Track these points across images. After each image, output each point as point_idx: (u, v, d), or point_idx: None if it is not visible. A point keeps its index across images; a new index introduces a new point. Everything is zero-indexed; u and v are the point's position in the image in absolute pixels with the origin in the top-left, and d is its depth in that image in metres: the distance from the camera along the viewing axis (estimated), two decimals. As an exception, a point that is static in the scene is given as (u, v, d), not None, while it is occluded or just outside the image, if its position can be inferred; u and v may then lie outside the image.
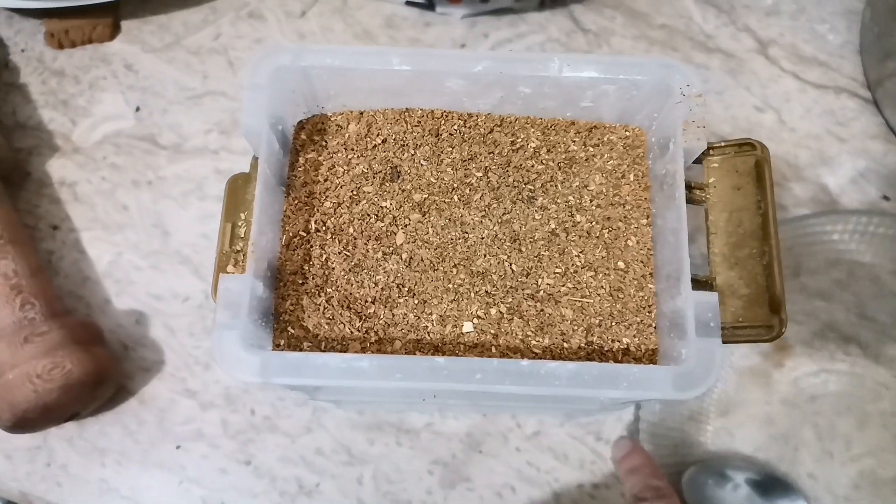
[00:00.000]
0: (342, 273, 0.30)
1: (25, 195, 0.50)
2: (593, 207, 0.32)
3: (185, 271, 0.49)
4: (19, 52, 0.53)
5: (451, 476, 0.47)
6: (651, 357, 0.30)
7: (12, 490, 0.44)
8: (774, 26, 0.56)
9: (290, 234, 0.31)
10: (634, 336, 0.30)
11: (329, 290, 0.30)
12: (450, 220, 0.31)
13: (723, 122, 0.54)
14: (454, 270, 0.30)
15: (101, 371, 0.42)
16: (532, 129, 0.33)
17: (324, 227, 0.31)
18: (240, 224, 0.31)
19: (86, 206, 0.50)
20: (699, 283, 0.29)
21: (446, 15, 0.56)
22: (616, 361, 0.30)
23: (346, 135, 0.32)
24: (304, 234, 0.31)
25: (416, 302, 0.30)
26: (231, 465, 0.46)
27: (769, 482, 0.45)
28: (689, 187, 0.30)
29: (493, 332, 0.30)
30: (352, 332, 0.29)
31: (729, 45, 0.56)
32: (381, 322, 0.30)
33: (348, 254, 0.31)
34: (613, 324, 0.30)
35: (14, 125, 0.51)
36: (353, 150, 0.32)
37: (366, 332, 0.29)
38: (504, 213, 0.31)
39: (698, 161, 0.31)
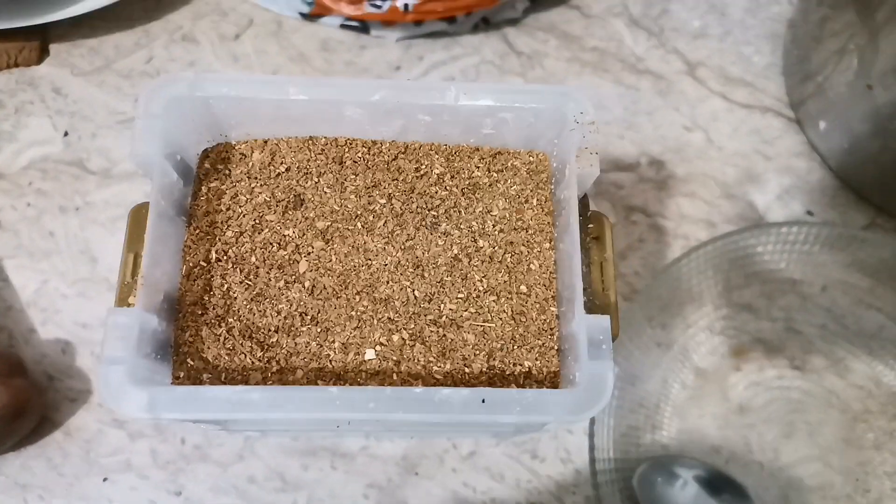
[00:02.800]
0: (244, 302, 0.30)
1: (-54, 224, 0.49)
2: (496, 232, 0.32)
3: (113, 298, 0.48)
4: (-58, 77, 0.52)
5: (387, 500, 0.47)
6: (553, 380, 0.30)
7: (-72, 529, 0.43)
8: (702, 48, 0.58)
9: (191, 264, 0.31)
10: (536, 359, 0.30)
11: (230, 319, 0.30)
12: (353, 247, 0.31)
13: (653, 141, 0.55)
14: (357, 297, 0.31)
15: (20, 404, 0.41)
16: (436, 156, 0.33)
17: (225, 257, 0.31)
18: (142, 254, 0.30)
19: (10, 234, 0.49)
20: (597, 305, 0.30)
21: (381, 38, 0.56)
22: (518, 385, 0.30)
23: (250, 163, 0.32)
24: (205, 265, 0.31)
25: (318, 330, 0.30)
26: (161, 496, 0.45)
27: (718, 481, 0.45)
28: (588, 210, 0.31)
29: (395, 358, 0.30)
30: (253, 363, 0.29)
31: (659, 66, 0.57)
32: (283, 351, 0.30)
33: (250, 283, 0.30)
34: (515, 347, 0.30)
35: (-64, 153, 0.50)
36: (256, 178, 0.32)
37: (267, 361, 0.29)
38: (407, 240, 0.32)
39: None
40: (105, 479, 0.45)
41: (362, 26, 0.55)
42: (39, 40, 0.53)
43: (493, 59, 0.57)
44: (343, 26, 0.55)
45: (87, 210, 0.50)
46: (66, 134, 0.52)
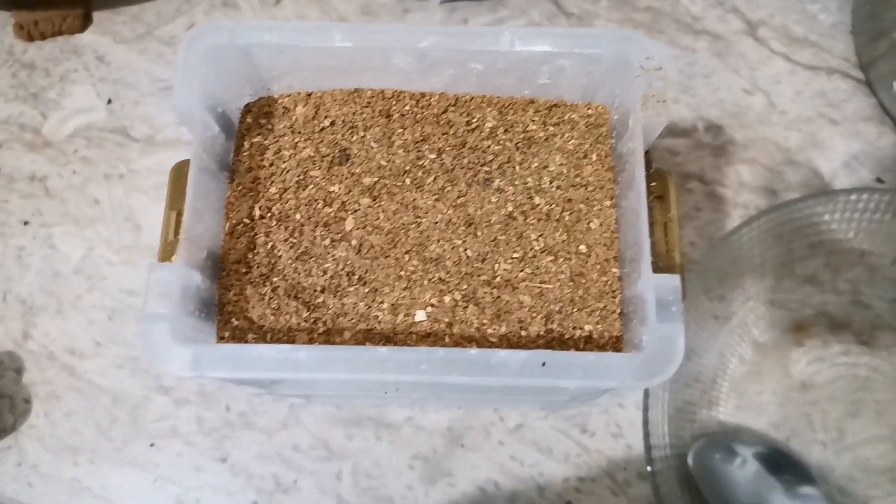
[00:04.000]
0: (289, 261, 0.29)
1: (-5, 191, 0.49)
2: (553, 189, 0.30)
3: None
4: (-11, 46, 0.52)
5: (432, 471, 0.45)
6: (615, 344, 0.28)
7: (-17, 490, 0.43)
8: (764, 7, 0.54)
9: (234, 221, 0.29)
10: (597, 323, 0.28)
11: (275, 279, 0.28)
12: (401, 204, 0.29)
13: (710, 105, 0.52)
14: (406, 257, 0.29)
15: None
16: (488, 109, 0.31)
17: (269, 214, 0.29)
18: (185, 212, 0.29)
19: (56, 201, 0.49)
20: (661, 267, 0.27)
21: (425, 0, 0.54)
22: (577, 350, 0.28)
23: (294, 117, 0.31)
24: (249, 222, 0.29)
25: (366, 290, 0.28)
26: (206, 462, 0.45)
27: (778, 458, 0.43)
28: (651, 167, 0.28)
29: (447, 320, 0.28)
30: (298, 323, 0.28)
31: (716, 26, 0.54)
32: (329, 312, 0.28)
33: (295, 241, 0.29)
34: (574, 310, 0.28)
35: (-16, 120, 0.50)
36: (300, 132, 0.30)
37: (313, 322, 0.28)
38: (459, 197, 0.30)
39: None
40: (152, 445, 0.44)
41: (405, -12, 0.52)
42: (82, 8, 0.52)
43: (540, 20, 0.54)
44: (386, -11, 0.53)
45: (131, 177, 0.50)
46: (109, 101, 0.51)
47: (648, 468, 0.42)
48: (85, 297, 0.47)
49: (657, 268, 0.28)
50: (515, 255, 0.29)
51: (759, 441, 0.43)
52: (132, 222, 0.49)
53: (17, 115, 0.50)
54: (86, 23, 0.53)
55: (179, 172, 0.29)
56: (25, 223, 0.48)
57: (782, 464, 0.43)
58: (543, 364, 0.24)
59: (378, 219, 0.29)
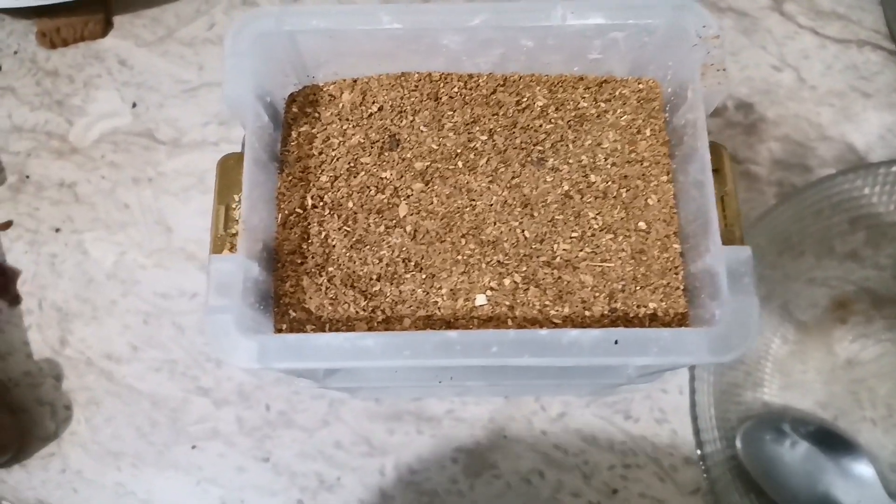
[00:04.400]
0: (343, 250, 0.28)
1: (25, 198, 0.48)
2: (608, 166, 0.29)
3: (190, 267, 0.47)
4: (12, 53, 0.51)
5: (475, 463, 0.45)
6: (681, 322, 0.27)
7: (29, 499, 0.43)
8: (788, -19, 0.53)
9: (286, 212, 0.28)
10: (661, 300, 0.27)
11: (330, 268, 0.28)
12: (455, 187, 0.29)
13: (739, 83, 0.51)
14: (462, 241, 0.28)
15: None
16: (538, 87, 0.30)
17: (321, 203, 0.29)
18: (233, 206, 0.28)
19: (86, 207, 0.48)
20: (726, 241, 0.27)
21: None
22: (643, 327, 0.27)
23: (340, 104, 0.30)
24: (301, 212, 0.28)
25: (423, 276, 0.28)
26: (249, 462, 0.44)
27: (830, 438, 0.42)
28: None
29: (508, 303, 0.27)
30: (357, 312, 0.27)
31: (741, 3, 0.53)
32: (387, 300, 0.27)
33: (349, 229, 0.28)
34: (638, 288, 0.27)
35: (10, 128, 0.49)
36: (347, 119, 0.30)
37: (372, 311, 0.27)
38: (513, 178, 0.29)
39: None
40: (193, 447, 0.44)
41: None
42: (103, 13, 0.51)
43: None
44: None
45: (159, 180, 0.49)
46: (134, 105, 0.51)
47: (698, 451, 0.42)
48: (119, 302, 0.46)
49: (722, 241, 0.27)
50: (574, 235, 0.28)
51: (808, 421, 0.43)
52: (162, 225, 0.48)
53: (42, 123, 0.50)
54: (107, 28, 0.52)
55: (225, 166, 0.29)
56: (57, 230, 0.48)
57: (833, 443, 0.42)
58: (616, 342, 0.23)
59: (432, 203, 0.28)
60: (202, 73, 0.51)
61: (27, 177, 0.49)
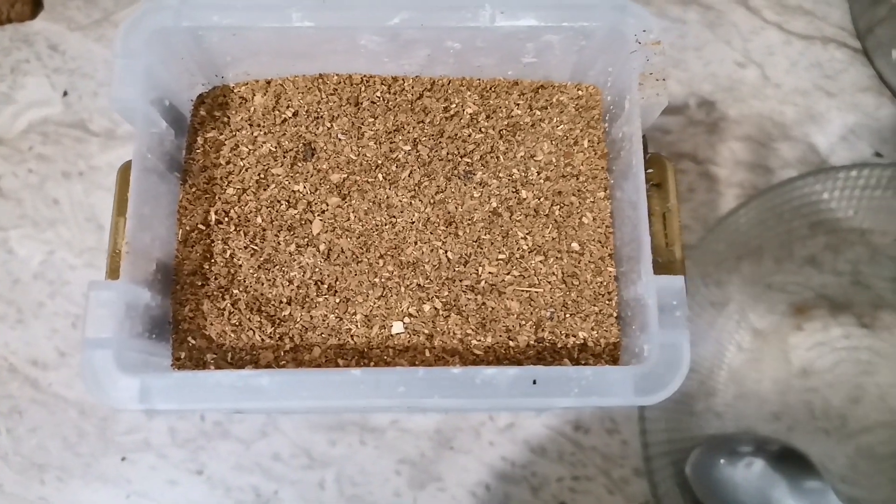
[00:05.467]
0: (250, 271, 0.25)
1: (-56, 193, 0.45)
2: (542, 180, 0.26)
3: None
4: (-69, 37, 0.47)
5: (420, 476, 0.43)
6: (612, 353, 0.25)
7: (-54, 512, 0.40)
8: (756, -27, 0.51)
9: (188, 227, 0.26)
10: (592, 329, 0.25)
11: (235, 290, 0.25)
12: (374, 202, 0.26)
13: (702, 80, 0.48)
14: (380, 262, 0.25)
15: None
16: (468, 93, 0.27)
17: (226, 218, 0.26)
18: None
19: (13, 202, 0.45)
20: (661, 263, 0.24)
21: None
22: (572, 360, 0.25)
23: (252, 108, 0.27)
24: (204, 227, 0.26)
25: (337, 301, 0.25)
26: (181, 475, 0.41)
27: (783, 454, 0.40)
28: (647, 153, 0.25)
29: (427, 331, 0.25)
30: (263, 340, 0.24)
31: (707, -5, 0.50)
32: (297, 326, 0.25)
33: (256, 248, 0.25)
34: (567, 315, 0.25)
35: (-71, 118, 0.46)
36: (259, 125, 0.27)
37: (279, 338, 0.25)
38: (437, 192, 0.26)
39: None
40: (123, 459, 0.41)
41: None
42: (31, -8, 0.48)
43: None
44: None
45: (91, 174, 0.46)
46: (65, 94, 0.47)
47: (645, 464, 0.40)
48: (47, 304, 0.43)
49: (657, 265, 0.25)
50: (501, 257, 0.26)
51: (760, 440, 0.41)
52: (94, 222, 0.45)
53: (-37, 110, 0.46)
54: (36, 9, 0.48)
55: (125, 175, 0.26)
56: (-22, 227, 0.44)
57: (786, 459, 0.41)
58: (534, 382, 0.21)
59: (348, 220, 0.26)
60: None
61: (-53, 170, 0.45)
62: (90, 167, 0.46)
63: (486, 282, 0.25)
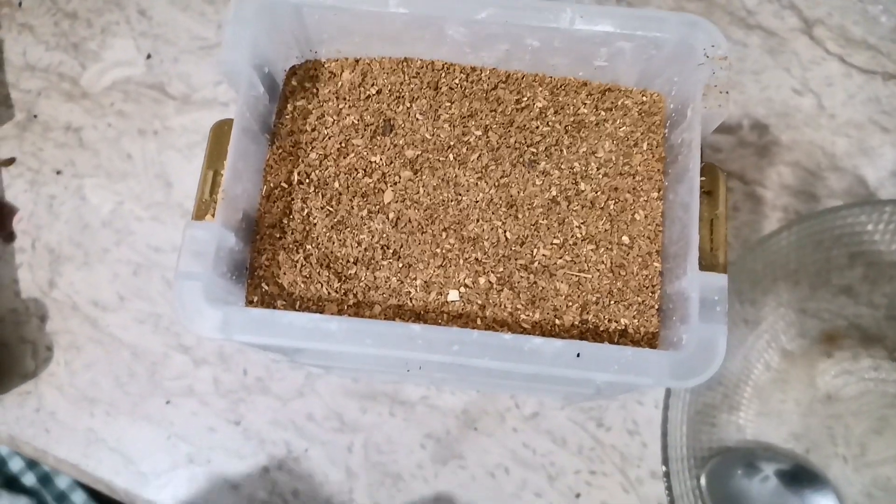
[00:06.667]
0: (323, 230, 0.28)
1: (30, 137, 0.48)
2: (600, 176, 0.29)
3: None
4: (33, -8, 0.51)
5: (443, 452, 0.45)
6: (650, 341, 0.27)
7: (1, 433, 0.44)
8: (823, 5, 0.52)
9: (271, 184, 0.28)
10: (634, 317, 0.27)
11: (308, 246, 0.28)
12: (443, 180, 0.28)
13: (757, 103, 0.50)
14: (444, 234, 0.28)
15: None
16: (540, 88, 0.30)
17: (307, 180, 0.28)
18: (222, 172, 0.28)
19: (90, 153, 0.48)
20: (704, 265, 0.26)
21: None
22: (612, 343, 0.27)
23: (339, 83, 0.30)
24: (286, 186, 0.28)
25: (400, 265, 0.28)
26: (220, 423, 0.44)
27: (798, 473, 0.42)
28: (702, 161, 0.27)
29: (479, 302, 0.27)
30: (329, 294, 0.27)
31: (771, 22, 0.52)
32: (361, 284, 0.27)
33: (331, 209, 0.28)
34: (612, 302, 0.27)
35: (23, 66, 0.50)
36: (345, 99, 0.29)
37: (344, 294, 0.27)
38: (502, 176, 0.29)
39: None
40: (168, 402, 0.44)
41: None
42: (128, -41, 0.51)
43: (588, 1, 0.52)
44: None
45: (165, 134, 0.49)
46: (148, 56, 0.51)
47: (664, 468, 0.42)
48: (112, 251, 0.47)
49: (700, 266, 0.27)
50: (556, 241, 0.28)
51: (779, 456, 0.42)
52: (163, 179, 0.48)
53: (56, 63, 0.50)
54: (129, -26, 0.52)
55: (219, 132, 0.29)
56: (58, 172, 0.48)
57: (801, 479, 0.42)
58: (578, 355, 0.23)
59: (418, 193, 0.28)
60: (220, 32, 0.51)
61: (35, 116, 0.49)
62: (165, 127, 0.49)
63: (539, 263, 0.27)
